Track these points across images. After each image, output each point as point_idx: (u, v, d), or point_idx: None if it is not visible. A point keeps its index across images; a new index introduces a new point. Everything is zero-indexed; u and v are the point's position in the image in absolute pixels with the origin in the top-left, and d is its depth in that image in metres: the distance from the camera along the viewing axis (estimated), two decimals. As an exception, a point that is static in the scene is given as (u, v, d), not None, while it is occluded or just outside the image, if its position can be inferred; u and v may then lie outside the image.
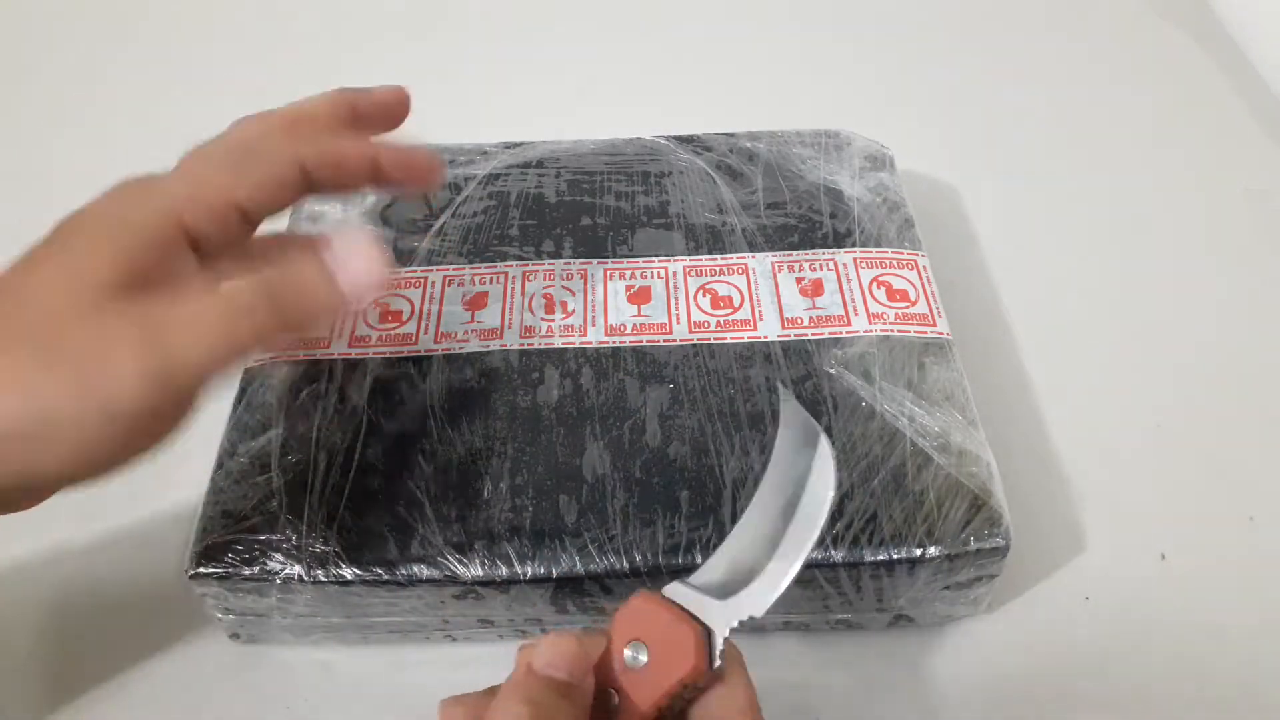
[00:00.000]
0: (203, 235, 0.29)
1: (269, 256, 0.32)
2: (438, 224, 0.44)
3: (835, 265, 0.42)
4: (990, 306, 0.48)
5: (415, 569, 0.34)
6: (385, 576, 0.34)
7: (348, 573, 0.34)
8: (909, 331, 0.39)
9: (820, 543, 0.27)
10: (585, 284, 0.42)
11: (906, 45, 0.65)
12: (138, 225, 0.28)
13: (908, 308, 0.40)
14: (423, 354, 0.39)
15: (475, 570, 0.34)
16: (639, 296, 0.41)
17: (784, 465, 0.28)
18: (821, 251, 0.42)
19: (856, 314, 0.40)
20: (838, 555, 0.33)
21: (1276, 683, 0.35)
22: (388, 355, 0.39)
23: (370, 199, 0.45)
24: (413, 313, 0.41)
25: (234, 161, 0.31)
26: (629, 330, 0.40)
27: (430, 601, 0.34)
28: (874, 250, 0.42)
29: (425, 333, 0.40)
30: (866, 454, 0.35)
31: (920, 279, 0.41)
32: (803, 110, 0.52)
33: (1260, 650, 0.36)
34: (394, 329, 0.40)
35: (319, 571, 0.33)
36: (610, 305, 0.41)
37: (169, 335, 0.27)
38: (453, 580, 0.34)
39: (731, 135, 0.48)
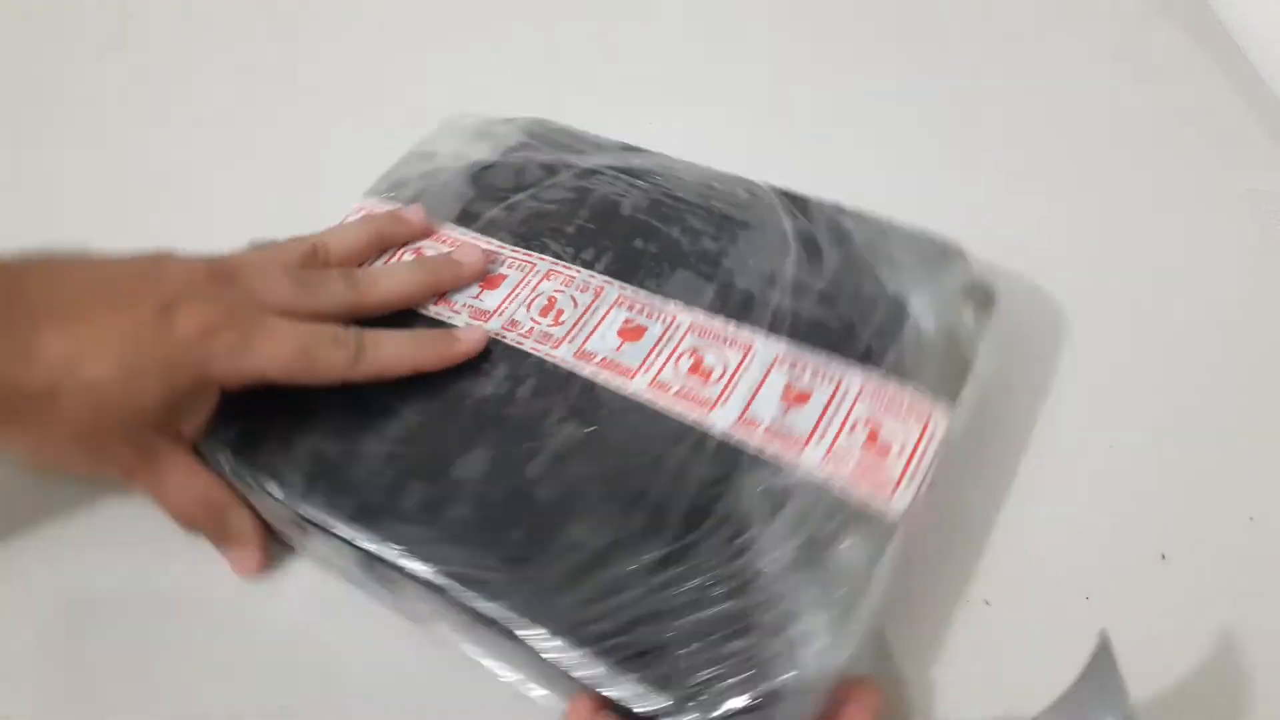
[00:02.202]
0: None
1: None
2: (514, 198, 0.45)
3: (838, 386, 0.37)
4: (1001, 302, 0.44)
5: (299, 505, 0.36)
6: (277, 496, 0.36)
7: (276, 489, 0.36)
8: (856, 491, 0.34)
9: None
10: (593, 301, 0.40)
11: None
12: (188, 389, 0.35)
13: (876, 463, 0.35)
14: (413, 311, 0.41)
15: (313, 510, 0.35)
16: (631, 333, 0.39)
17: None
18: (836, 364, 0.38)
19: (818, 444, 0.35)
20: None
21: (1277, 683, 0.35)
22: None
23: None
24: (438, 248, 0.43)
25: (295, 358, 0.36)
26: (596, 361, 0.38)
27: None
28: (892, 385, 0.37)
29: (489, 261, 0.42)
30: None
31: (919, 441, 0.35)
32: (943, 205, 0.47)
33: (1260, 650, 0.36)
34: None
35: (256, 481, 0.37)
36: (598, 330, 0.39)
37: (156, 488, 0.36)
38: (301, 518, 0.35)
39: (841, 209, 0.43)
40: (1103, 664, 0.29)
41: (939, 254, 0.41)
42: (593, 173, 0.46)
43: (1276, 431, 0.42)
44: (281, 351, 0.36)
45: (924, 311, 0.39)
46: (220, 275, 0.37)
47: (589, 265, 0.42)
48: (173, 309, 0.34)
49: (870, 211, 0.43)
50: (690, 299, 0.40)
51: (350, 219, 0.44)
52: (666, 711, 0.30)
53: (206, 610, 0.38)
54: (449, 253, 0.42)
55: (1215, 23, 0.62)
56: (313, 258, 0.40)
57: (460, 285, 0.41)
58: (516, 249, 0.43)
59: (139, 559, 0.39)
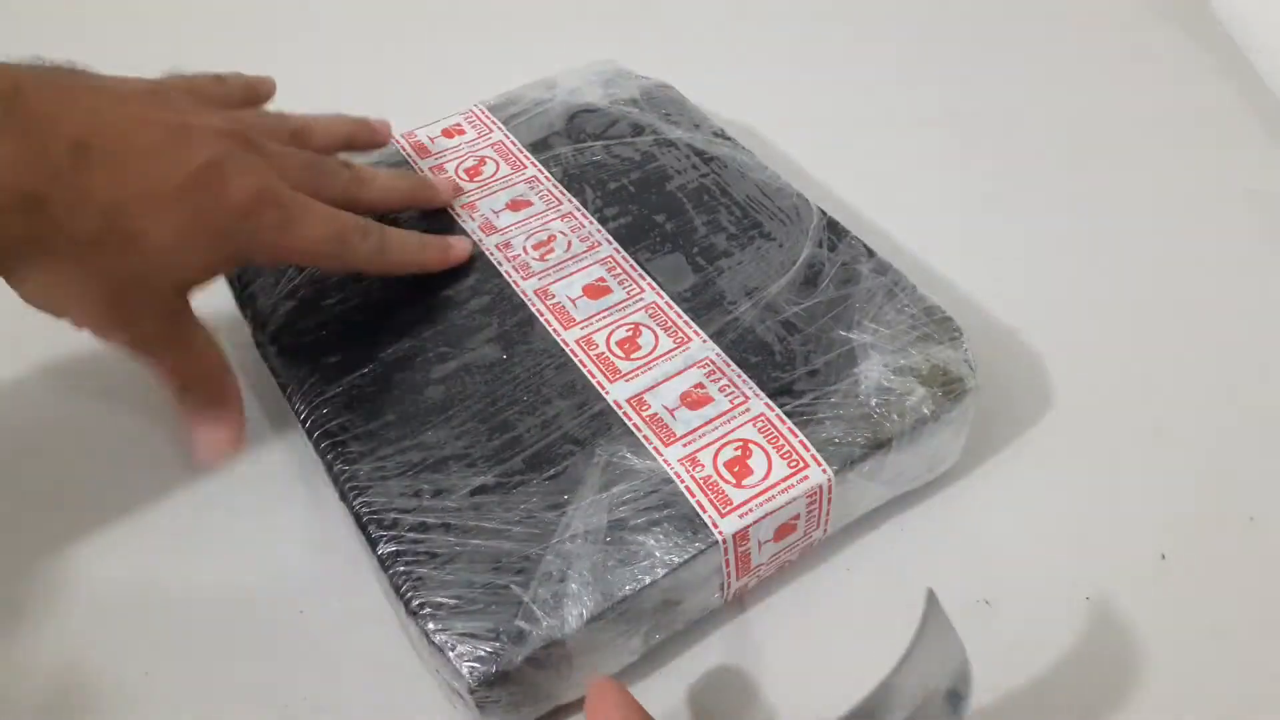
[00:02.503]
0: None
1: None
2: (588, 144, 0.48)
3: (738, 405, 0.36)
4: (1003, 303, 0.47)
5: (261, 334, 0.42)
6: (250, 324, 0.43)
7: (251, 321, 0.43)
8: (693, 498, 0.34)
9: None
10: (584, 251, 0.42)
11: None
12: (230, 260, 0.36)
13: (727, 483, 0.34)
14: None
15: (264, 340, 0.41)
16: (595, 291, 0.41)
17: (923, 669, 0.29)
18: (750, 387, 0.37)
19: (686, 445, 0.35)
20: None
21: (1277, 683, 0.35)
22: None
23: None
24: (483, 177, 0.46)
25: (328, 243, 0.38)
26: (549, 302, 0.40)
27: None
28: (788, 425, 0.36)
29: (460, 194, 0.46)
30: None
31: (779, 484, 0.34)
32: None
33: (1260, 650, 0.36)
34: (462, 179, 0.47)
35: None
36: (570, 278, 0.41)
37: (171, 356, 0.35)
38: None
39: (869, 253, 0.42)
40: (935, 621, 0.29)
41: (931, 330, 0.39)
42: (670, 144, 0.47)
43: (1276, 431, 0.42)
44: (318, 234, 0.37)
45: (871, 374, 0.37)
46: (244, 140, 0.36)
47: (604, 221, 0.44)
48: (224, 175, 0.33)
49: (897, 269, 0.41)
50: (667, 282, 0.41)
51: (445, 120, 0.49)
52: (419, 612, 0.33)
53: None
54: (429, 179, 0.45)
55: (1215, 23, 0.61)
56: (298, 137, 0.41)
57: (428, 207, 0.44)
58: (557, 185, 0.46)
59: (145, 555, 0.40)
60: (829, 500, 0.35)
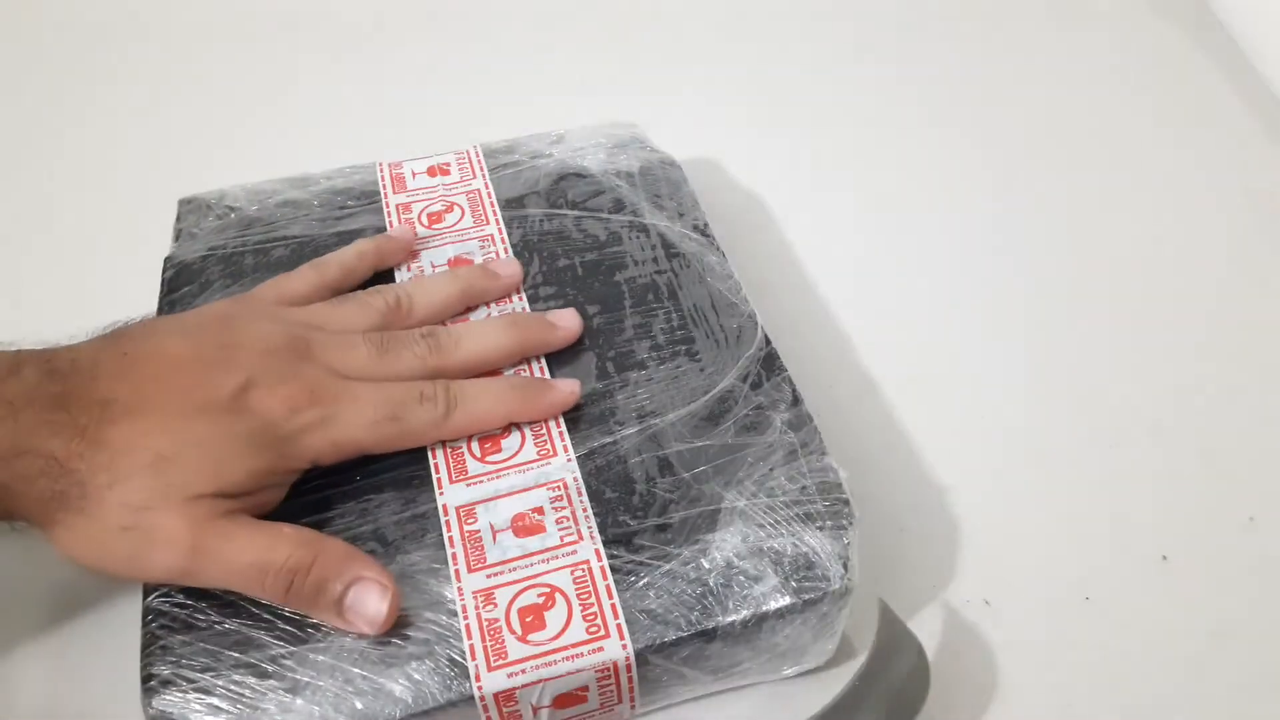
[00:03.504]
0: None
1: None
2: (562, 211, 0.44)
3: (568, 546, 0.32)
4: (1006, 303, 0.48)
5: None
6: None
7: None
8: (463, 642, 0.30)
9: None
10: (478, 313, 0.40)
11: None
12: (274, 467, 0.32)
13: (510, 636, 0.30)
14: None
15: None
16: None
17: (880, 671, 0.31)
18: (590, 525, 0.33)
19: (489, 576, 0.32)
20: None
21: (1277, 683, 0.35)
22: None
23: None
24: (443, 225, 0.44)
25: (384, 422, 0.34)
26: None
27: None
28: (606, 579, 0.31)
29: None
30: None
31: (574, 654, 0.30)
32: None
33: (1260, 650, 0.36)
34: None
35: None
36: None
37: (209, 563, 0.31)
38: None
39: (797, 401, 0.37)
40: (889, 622, 0.31)
41: (818, 510, 0.33)
42: (642, 230, 0.43)
43: (1276, 431, 0.42)
44: (367, 417, 0.34)
45: (725, 546, 0.32)
46: (296, 349, 0.34)
47: (533, 300, 0.41)
48: (248, 392, 0.33)
49: (815, 427, 0.36)
50: (572, 374, 0.38)
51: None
52: (147, 683, 0.31)
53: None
54: (546, 315, 0.39)
55: (1215, 23, 0.60)
56: (395, 312, 0.38)
57: (551, 350, 0.38)
58: (508, 250, 0.43)
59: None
60: (630, 678, 0.31)
